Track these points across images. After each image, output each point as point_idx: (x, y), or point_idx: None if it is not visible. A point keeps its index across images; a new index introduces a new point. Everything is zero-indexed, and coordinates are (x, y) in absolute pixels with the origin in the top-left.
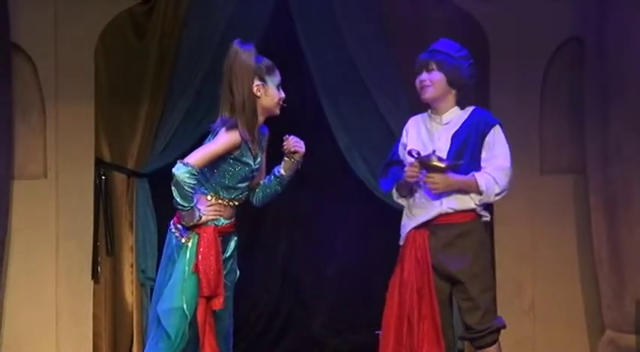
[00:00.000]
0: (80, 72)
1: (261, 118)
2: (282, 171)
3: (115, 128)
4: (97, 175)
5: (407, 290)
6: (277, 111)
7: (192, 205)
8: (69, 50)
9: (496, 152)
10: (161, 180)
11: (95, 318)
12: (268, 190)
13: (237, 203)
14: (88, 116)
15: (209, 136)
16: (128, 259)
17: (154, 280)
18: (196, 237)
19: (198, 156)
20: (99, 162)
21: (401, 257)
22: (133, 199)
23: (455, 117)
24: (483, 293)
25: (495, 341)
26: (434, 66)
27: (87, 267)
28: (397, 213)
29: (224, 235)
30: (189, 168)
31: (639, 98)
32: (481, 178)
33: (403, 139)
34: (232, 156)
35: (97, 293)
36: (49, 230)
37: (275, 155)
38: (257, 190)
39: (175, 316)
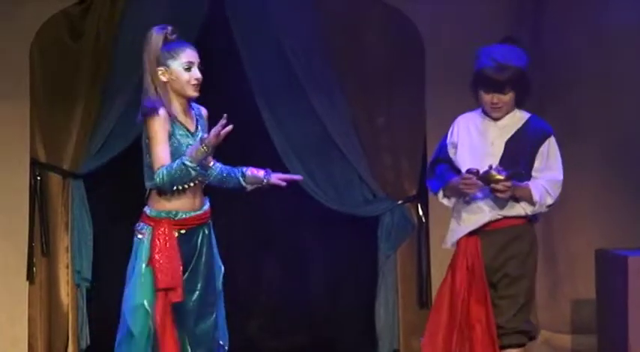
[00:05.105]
0: (15, 72)
1: (180, 100)
2: (246, 184)
3: (50, 128)
4: (33, 175)
5: (458, 299)
6: (191, 93)
7: (192, 165)
8: (3, 50)
9: (550, 163)
10: (97, 181)
11: (30, 319)
12: (222, 179)
13: (187, 186)
14: (24, 116)
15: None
16: (63, 260)
17: (89, 281)
18: (151, 231)
19: (155, 156)
20: (34, 163)
21: (452, 264)
22: (68, 200)
23: (511, 122)
24: (521, 292)
25: (521, 344)
26: (508, 88)
27: (22, 268)
28: (333, 212)
29: (188, 229)
30: (160, 171)
31: (575, 99)
32: (535, 189)
33: (451, 138)
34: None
35: (32, 293)
36: None
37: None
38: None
39: (138, 313)
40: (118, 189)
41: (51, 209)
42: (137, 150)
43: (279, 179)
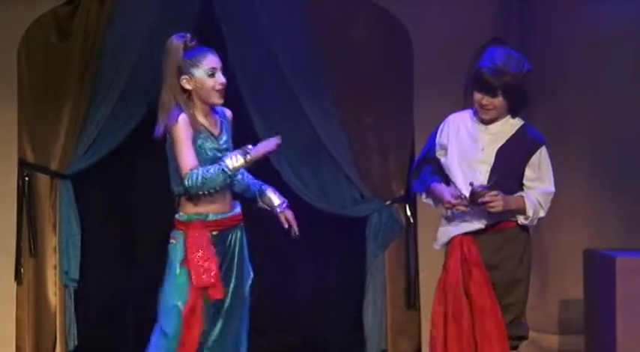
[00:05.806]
0: (3, 73)
1: (203, 105)
2: (260, 201)
3: (38, 129)
4: (21, 176)
5: (452, 287)
6: (216, 100)
7: (231, 173)
8: None
9: (542, 174)
10: (85, 182)
11: (18, 320)
12: (244, 187)
13: (212, 191)
14: (11, 117)
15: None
16: (51, 260)
17: (77, 281)
18: (183, 234)
19: (183, 159)
20: (22, 163)
21: (446, 261)
22: (56, 200)
23: (502, 129)
24: (520, 298)
25: (515, 347)
26: (500, 92)
27: (10, 268)
28: (321, 213)
29: (221, 230)
30: (194, 173)
31: (563, 99)
32: (529, 202)
33: (440, 138)
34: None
35: (19, 294)
36: None
37: None
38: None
39: (172, 314)
40: (106, 189)
41: (39, 209)
42: (125, 151)
43: (287, 219)
